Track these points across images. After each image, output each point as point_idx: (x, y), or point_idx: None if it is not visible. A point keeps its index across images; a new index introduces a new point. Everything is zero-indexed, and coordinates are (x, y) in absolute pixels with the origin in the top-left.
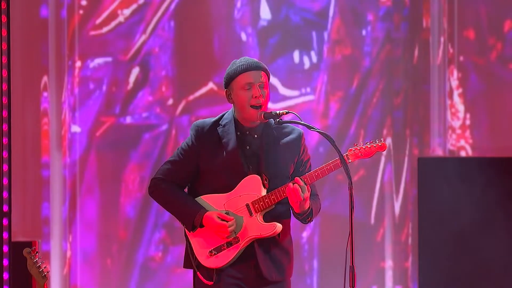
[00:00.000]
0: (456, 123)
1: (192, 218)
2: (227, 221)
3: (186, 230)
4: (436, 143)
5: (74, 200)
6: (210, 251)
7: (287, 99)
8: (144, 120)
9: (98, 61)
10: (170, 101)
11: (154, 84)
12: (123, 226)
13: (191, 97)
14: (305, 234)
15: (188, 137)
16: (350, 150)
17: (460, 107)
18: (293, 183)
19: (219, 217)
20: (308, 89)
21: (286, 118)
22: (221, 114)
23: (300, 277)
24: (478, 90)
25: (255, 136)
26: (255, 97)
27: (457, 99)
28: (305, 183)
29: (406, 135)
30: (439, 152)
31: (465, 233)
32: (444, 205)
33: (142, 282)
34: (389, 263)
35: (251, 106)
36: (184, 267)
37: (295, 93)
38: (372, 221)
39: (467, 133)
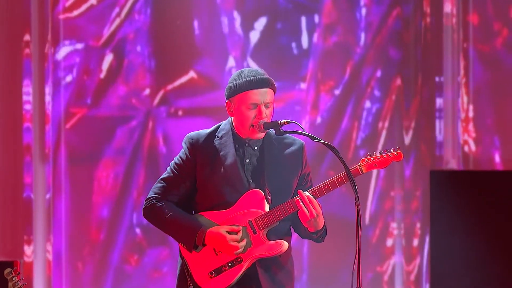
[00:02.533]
0: (461, 115)
1: (193, 237)
2: (236, 233)
3: (181, 250)
4: (446, 154)
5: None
6: (210, 273)
7: None
8: (118, 112)
9: (68, 47)
10: (147, 91)
11: (129, 72)
12: (95, 227)
13: (169, 87)
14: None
15: (182, 150)
16: (363, 160)
17: (464, 98)
18: (299, 197)
19: (226, 231)
20: (297, 78)
21: (286, 128)
22: (216, 125)
23: None
24: (482, 79)
25: (255, 148)
26: (259, 118)
27: (461, 89)
28: (314, 197)
29: (402, 127)
30: (452, 165)
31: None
32: (456, 220)
33: (116, 287)
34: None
35: (252, 125)
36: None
37: (283, 81)
38: (367, 221)
39: (470, 125)
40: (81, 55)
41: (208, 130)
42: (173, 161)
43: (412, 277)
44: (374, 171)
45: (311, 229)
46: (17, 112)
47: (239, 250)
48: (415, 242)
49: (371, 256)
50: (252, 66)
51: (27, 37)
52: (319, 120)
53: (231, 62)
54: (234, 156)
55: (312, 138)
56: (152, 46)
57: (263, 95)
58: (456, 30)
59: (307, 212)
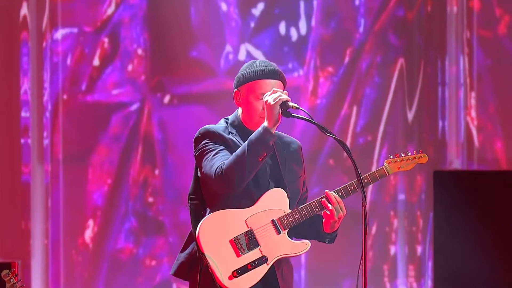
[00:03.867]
0: (461, 103)
1: (262, 133)
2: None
3: (204, 248)
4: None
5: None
6: (235, 271)
7: None
8: (114, 98)
9: (62, 32)
10: (143, 78)
11: (124, 58)
12: (90, 215)
13: (165, 73)
14: None
15: (205, 139)
16: (389, 161)
17: (467, 85)
18: (327, 198)
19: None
20: (296, 64)
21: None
22: (223, 120)
23: None
24: (484, 66)
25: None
26: None
27: (462, 78)
28: (341, 197)
29: (406, 116)
30: (456, 165)
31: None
32: (460, 220)
33: (111, 276)
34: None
35: (260, 117)
36: (175, 275)
37: (281, 68)
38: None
39: (473, 113)
40: (75, 40)
41: (219, 125)
42: (201, 151)
43: (413, 270)
44: (374, 159)
45: (328, 230)
46: (14, 102)
47: (280, 97)
48: (416, 233)
49: (371, 248)
50: (250, 52)
51: (24, 20)
52: (318, 106)
53: (228, 48)
54: None
55: (323, 130)
56: (148, 31)
57: (273, 86)
58: (459, 16)
59: (335, 212)
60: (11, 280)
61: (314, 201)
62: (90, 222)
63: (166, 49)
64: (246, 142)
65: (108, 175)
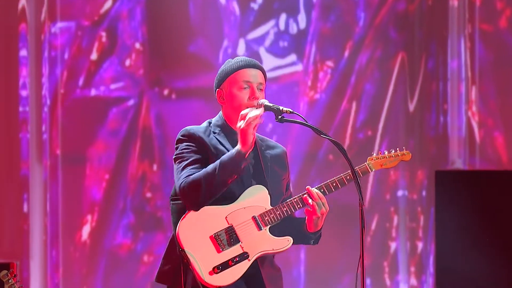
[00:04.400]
0: (463, 98)
1: (235, 154)
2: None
3: (181, 245)
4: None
5: (27, 181)
6: (217, 267)
7: (272, 70)
8: (112, 93)
9: (59, 25)
10: (141, 72)
11: (122, 52)
12: (87, 211)
13: (164, 68)
14: None
15: (183, 143)
16: (371, 159)
17: (468, 80)
18: (309, 194)
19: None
20: (295, 58)
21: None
22: (207, 122)
23: (287, 268)
24: (486, 60)
25: None
26: (253, 98)
27: (463, 72)
28: (323, 193)
29: (407, 111)
30: (458, 165)
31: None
32: (461, 220)
33: (109, 272)
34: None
35: (247, 107)
36: (158, 281)
37: (280, 62)
38: (366, 206)
39: (474, 108)
40: (73, 34)
41: (202, 126)
42: (177, 156)
43: (413, 267)
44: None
45: (311, 229)
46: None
47: (258, 120)
48: (417, 229)
49: (371, 244)
50: (249, 46)
51: (23, 12)
52: (317, 101)
53: (226, 42)
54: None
55: (318, 132)
56: (146, 25)
57: (255, 75)
58: (460, 10)
59: (317, 208)
60: (10, 281)
61: (295, 197)
62: (88, 218)
63: (165, 43)
64: (218, 161)
65: (106, 170)
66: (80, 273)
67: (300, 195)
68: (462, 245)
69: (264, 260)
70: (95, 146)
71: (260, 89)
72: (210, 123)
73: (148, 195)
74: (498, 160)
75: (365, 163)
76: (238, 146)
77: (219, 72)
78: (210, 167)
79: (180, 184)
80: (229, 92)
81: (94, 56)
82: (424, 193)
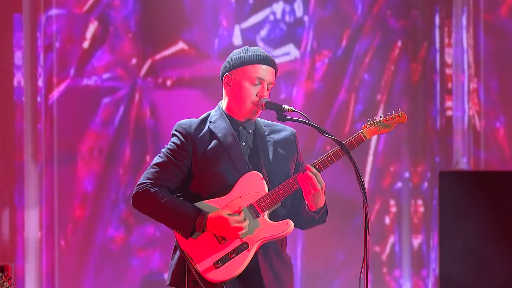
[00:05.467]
0: (464, 88)
1: (192, 223)
2: (237, 214)
3: (180, 243)
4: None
5: (22, 174)
6: (216, 263)
7: None
8: (104, 83)
9: (50, 13)
10: (134, 61)
11: (114, 41)
12: (79, 203)
13: (157, 57)
14: None
15: (174, 138)
16: (365, 126)
17: (471, 69)
18: (304, 172)
19: (228, 214)
20: (292, 47)
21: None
22: (206, 113)
23: None
24: (487, 49)
25: (250, 131)
26: (260, 96)
27: (463, 62)
28: (318, 170)
29: (406, 102)
30: (462, 165)
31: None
32: (465, 221)
33: (101, 266)
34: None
35: (253, 103)
36: (171, 285)
37: (276, 51)
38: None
39: (475, 98)
40: (64, 22)
41: (199, 118)
42: (164, 149)
43: (410, 258)
44: (372, 145)
45: (313, 207)
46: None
47: (243, 231)
48: (417, 223)
49: (369, 237)
50: (244, 35)
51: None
52: (314, 91)
53: (221, 31)
54: (233, 136)
55: (321, 131)
56: (139, 13)
57: (270, 74)
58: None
59: (311, 185)
60: (4, 284)
61: (290, 179)
62: (80, 210)
63: (158, 31)
64: (179, 206)
65: (98, 161)
66: (72, 267)
67: (294, 175)
68: (467, 246)
69: (268, 252)
70: (87, 137)
71: (268, 89)
72: (209, 114)
73: None
74: (500, 150)
75: (359, 131)
76: (206, 219)
77: (232, 56)
78: (167, 203)
79: (136, 187)
80: (238, 81)
81: (86, 44)
82: (425, 185)
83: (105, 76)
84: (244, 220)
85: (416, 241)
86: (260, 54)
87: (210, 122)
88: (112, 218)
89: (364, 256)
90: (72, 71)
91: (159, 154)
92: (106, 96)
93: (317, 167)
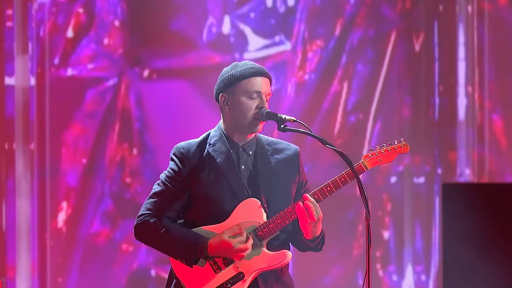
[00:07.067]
0: (461, 79)
1: (194, 250)
2: (239, 235)
3: (176, 271)
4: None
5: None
6: None
7: (258, 49)
8: (89, 73)
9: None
10: (120, 51)
11: (100, 30)
12: (63, 197)
13: (144, 46)
14: None
15: (171, 162)
16: (366, 156)
17: (461, 63)
18: (303, 201)
19: (229, 236)
20: (283, 37)
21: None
22: (206, 133)
23: None
24: (485, 39)
25: (250, 153)
26: (261, 108)
27: (461, 53)
28: (316, 200)
29: (401, 93)
30: (466, 177)
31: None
32: (468, 233)
33: (85, 262)
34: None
35: (254, 118)
36: None
37: (267, 42)
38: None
39: (471, 89)
40: (48, 11)
41: (198, 139)
42: (163, 174)
43: (407, 255)
44: (366, 138)
45: (308, 236)
46: None
47: (248, 251)
48: (411, 217)
49: (362, 232)
50: (234, 24)
51: None
52: (306, 82)
53: (210, 20)
54: (232, 160)
55: (323, 142)
56: (126, 1)
57: (266, 84)
58: None
59: (307, 214)
60: None
61: (289, 208)
62: (64, 205)
63: (145, 20)
64: (179, 235)
65: (82, 154)
66: (55, 262)
67: (293, 204)
68: (470, 258)
69: (268, 278)
70: (72, 129)
71: (266, 100)
72: (208, 134)
73: (128, 180)
74: (496, 144)
75: (360, 161)
76: (207, 245)
77: (224, 75)
78: (166, 233)
79: (137, 219)
80: (237, 99)
81: (70, 33)
82: (422, 179)
83: (90, 66)
84: (248, 239)
85: (410, 236)
86: (252, 67)
87: (210, 144)
88: (97, 213)
89: (366, 270)
90: (56, 61)
91: (158, 181)
92: (91, 87)
93: (315, 197)
